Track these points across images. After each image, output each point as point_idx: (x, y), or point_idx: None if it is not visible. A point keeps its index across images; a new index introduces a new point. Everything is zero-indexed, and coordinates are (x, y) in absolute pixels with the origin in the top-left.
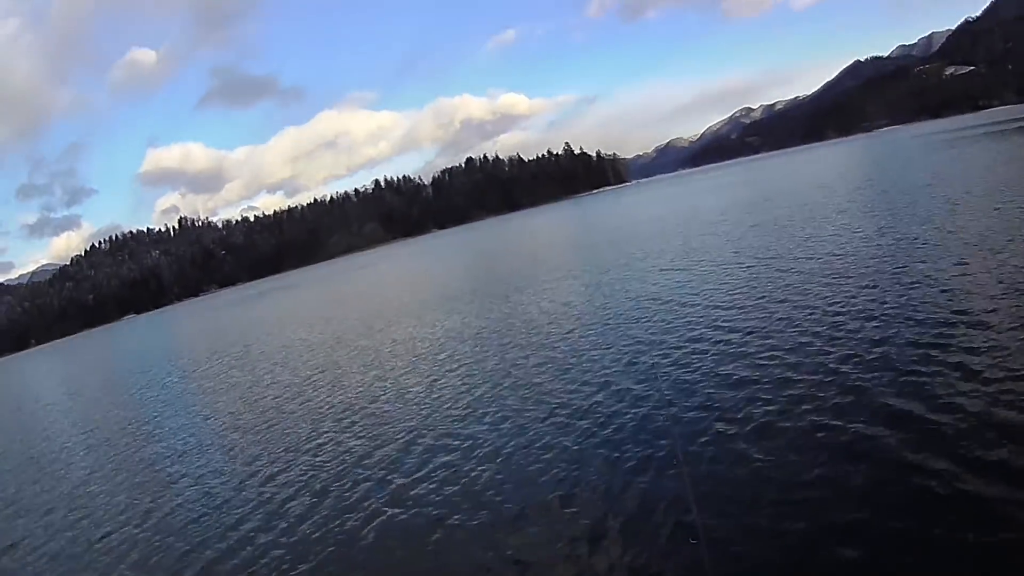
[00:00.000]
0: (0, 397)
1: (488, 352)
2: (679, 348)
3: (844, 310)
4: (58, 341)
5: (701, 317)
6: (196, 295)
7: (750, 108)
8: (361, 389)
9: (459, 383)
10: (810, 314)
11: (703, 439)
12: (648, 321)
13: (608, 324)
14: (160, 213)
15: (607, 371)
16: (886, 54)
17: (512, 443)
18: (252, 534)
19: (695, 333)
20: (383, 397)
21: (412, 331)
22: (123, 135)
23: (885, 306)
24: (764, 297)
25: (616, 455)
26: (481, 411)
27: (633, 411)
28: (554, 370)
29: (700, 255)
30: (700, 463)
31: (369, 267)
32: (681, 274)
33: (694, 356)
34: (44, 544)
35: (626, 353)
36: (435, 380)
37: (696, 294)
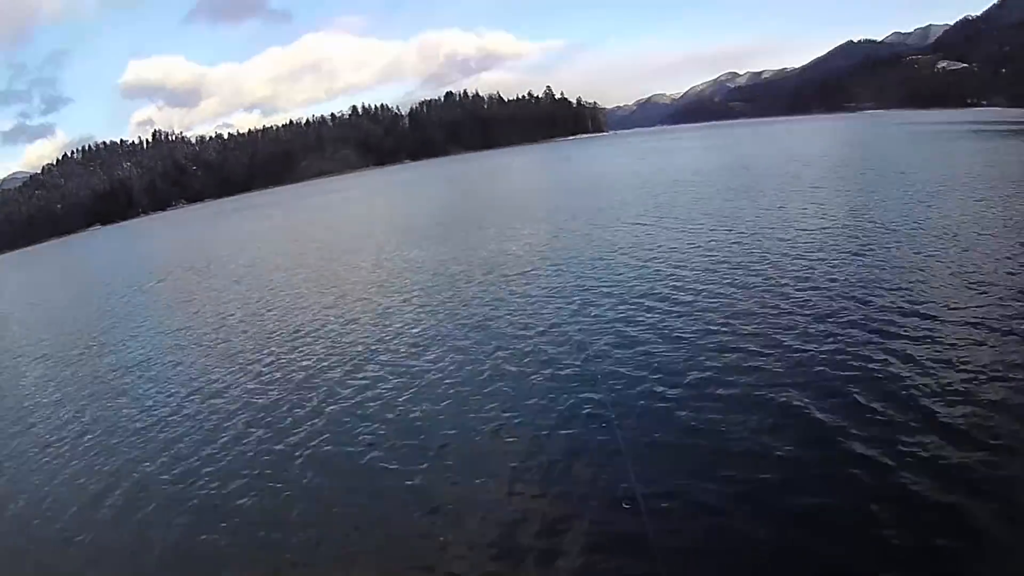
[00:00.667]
0: None
1: (441, 287)
2: (628, 303)
3: (798, 283)
4: (22, 250)
5: (658, 274)
6: (164, 209)
7: (736, 73)
8: (315, 312)
9: (409, 315)
10: (764, 283)
11: (636, 397)
12: (604, 272)
13: (564, 271)
14: (135, 125)
15: (554, 318)
16: (880, 38)
17: (450, 380)
18: (187, 452)
19: (647, 288)
20: (334, 322)
21: (372, 259)
22: (107, 45)
23: (838, 284)
24: (723, 262)
25: (549, 405)
26: (425, 345)
27: (571, 361)
28: (505, 311)
29: (665, 212)
30: (631, 418)
31: (339, 192)
32: (643, 229)
33: (642, 312)
34: None
35: (575, 302)
36: (387, 309)
37: (655, 251)
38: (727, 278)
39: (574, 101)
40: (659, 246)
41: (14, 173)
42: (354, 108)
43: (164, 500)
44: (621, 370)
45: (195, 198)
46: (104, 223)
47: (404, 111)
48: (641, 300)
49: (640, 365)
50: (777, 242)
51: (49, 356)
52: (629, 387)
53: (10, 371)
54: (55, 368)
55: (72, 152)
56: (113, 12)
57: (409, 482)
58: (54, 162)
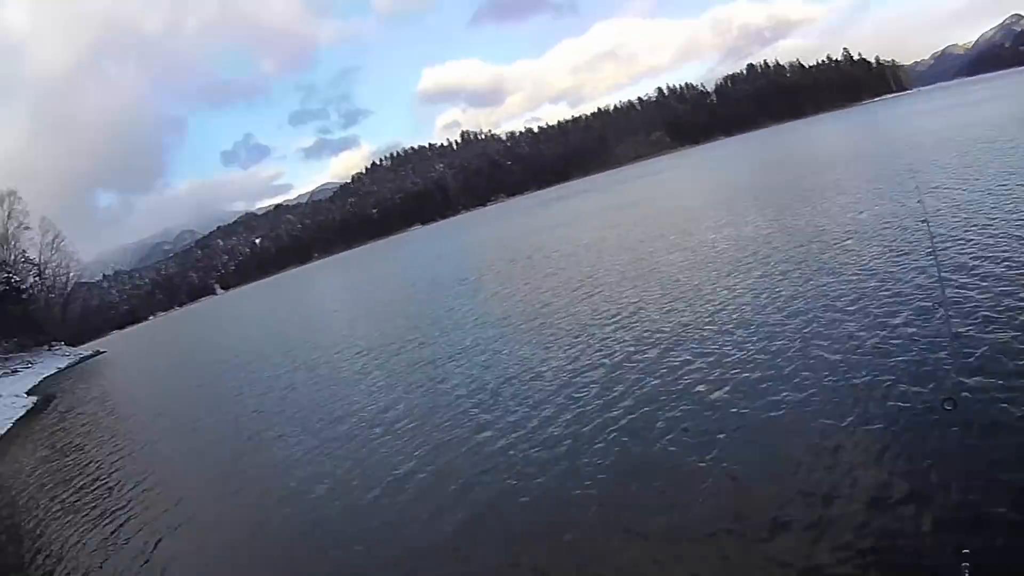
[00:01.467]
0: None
1: (773, 266)
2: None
3: None
4: (340, 255)
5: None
6: (483, 205)
7: (1020, 15)
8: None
9: (747, 300)
10: None
11: None
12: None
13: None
14: (441, 128)
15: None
16: None
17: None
18: (490, 435)
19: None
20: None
21: (702, 240)
22: (394, 58)
23: None
24: None
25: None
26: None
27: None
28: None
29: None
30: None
31: (658, 174)
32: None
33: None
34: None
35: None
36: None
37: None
38: None
39: (872, 61)
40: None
41: (323, 185)
42: (659, 90)
43: (468, 478)
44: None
45: (513, 191)
46: (423, 223)
47: (708, 88)
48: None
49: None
50: None
51: (375, 348)
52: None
53: (335, 363)
54: (381, 357)
55: (380, 160)
56: (392, 28)
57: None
58: (363, 170)
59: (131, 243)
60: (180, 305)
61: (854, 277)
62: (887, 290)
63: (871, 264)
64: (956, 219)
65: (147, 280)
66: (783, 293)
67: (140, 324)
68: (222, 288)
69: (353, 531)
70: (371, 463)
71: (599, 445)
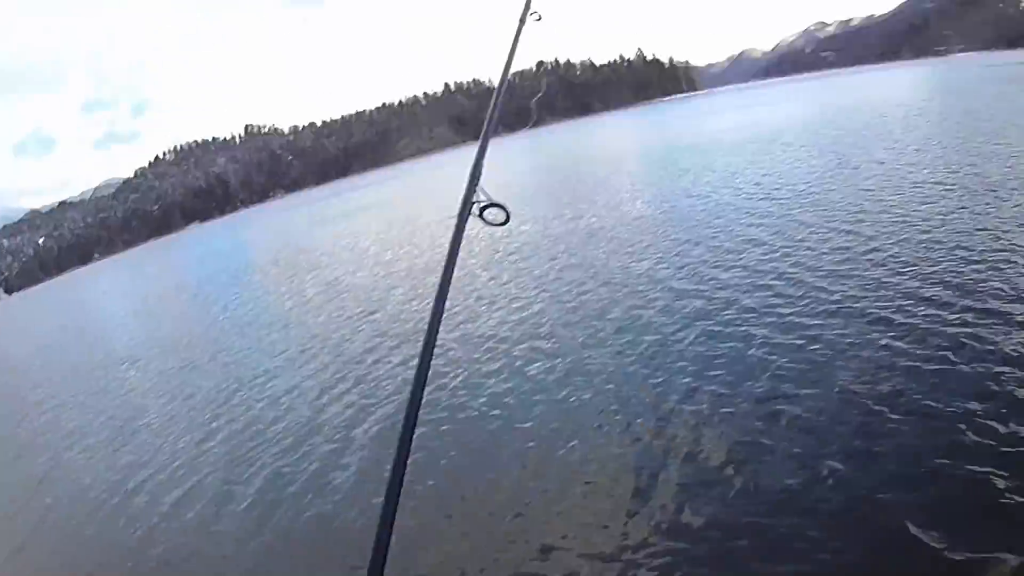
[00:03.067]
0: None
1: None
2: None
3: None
4: (121, 255)
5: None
6: (264, 200)
7: (825, 23)
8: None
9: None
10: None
11: None
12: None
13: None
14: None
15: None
16: None
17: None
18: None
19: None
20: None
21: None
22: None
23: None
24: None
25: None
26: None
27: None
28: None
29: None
30: None
31: (439, 168)
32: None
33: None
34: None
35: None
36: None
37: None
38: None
39: (666, 61)
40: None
41: (107, 180)
42: (446, 84)
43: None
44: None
45: (293, 186)
46: (203, 220)
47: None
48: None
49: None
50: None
51: (147, 369)
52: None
53: (118, 387)
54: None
55: (164, 153)
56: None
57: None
58: (147, 164)
59: None
60: None
61: None
62: None
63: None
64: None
65: None
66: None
67: None
68: (6, 292)
69: None
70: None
71: None
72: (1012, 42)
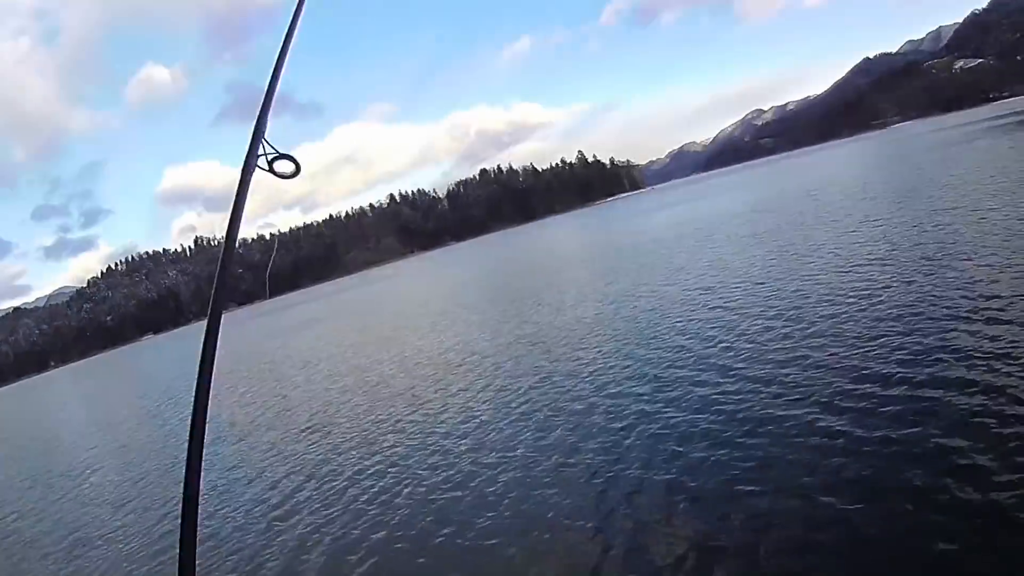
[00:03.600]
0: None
1: (500, 370)
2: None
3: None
4: (77, 363)
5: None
6: None
7: (761, 110)
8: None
9: (480, 398)
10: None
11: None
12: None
13: (620, 338)
14: (178, 232)
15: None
16: (895, 50)
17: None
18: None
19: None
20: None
21: (427, 344)
22: (140, 154)
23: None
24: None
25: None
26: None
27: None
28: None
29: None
30: None
31: (384, 280)
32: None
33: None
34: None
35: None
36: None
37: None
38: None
39: (607, 162)
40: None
41: (61, 288)
42: (391, 196)
43: None
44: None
45: (244, 300)
46: (156, 332)
47: (442, 192)
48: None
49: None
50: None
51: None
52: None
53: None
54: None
55: (116, 264)
56: (141, 121)
57: None
58: (99, 275)
59: None
60: None
61: None
62: None
63: None
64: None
65: None
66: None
67: None
68: None
69: None
70: None
71: None
72: (946, 106)
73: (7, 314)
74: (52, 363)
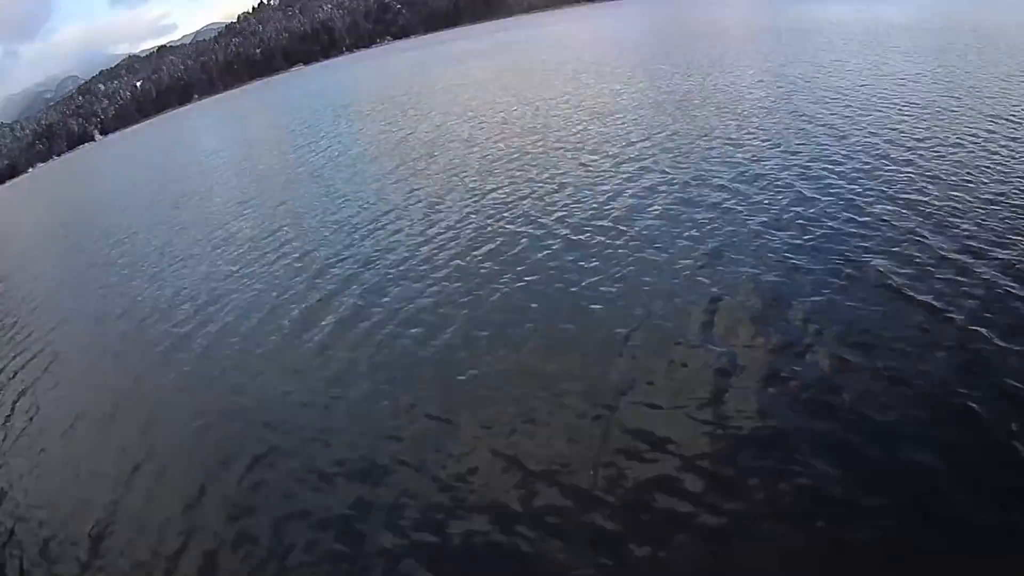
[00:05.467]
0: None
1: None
2: None
3: None
4: (220, 96)
5: None
6: (369, 47)
7: None
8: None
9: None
10: None
11: None
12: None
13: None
14: None
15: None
16: None
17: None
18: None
19: None
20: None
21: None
22: None
23: None
24: None
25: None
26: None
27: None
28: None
29: None
30: None
31: (550, 25)
32: None
33: None
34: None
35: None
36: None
37: None
38: None
39: None
40: None
41: (208, 25)
42: None
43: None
44: None
45: (400, 34)
46: (306, 63)
47: None
48: None
49: None
50: None
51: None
52: None
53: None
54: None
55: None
56: None
57: None
58: (250, 9)
59: (15, 93)
60: (59, 155)
61: None
62: None
63: None
64: None
65: (28, 131)
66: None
67: (20, 177)
68: (101, 134)
69: None
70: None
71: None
72: None
73: (152, 53)
74: (195, 96)
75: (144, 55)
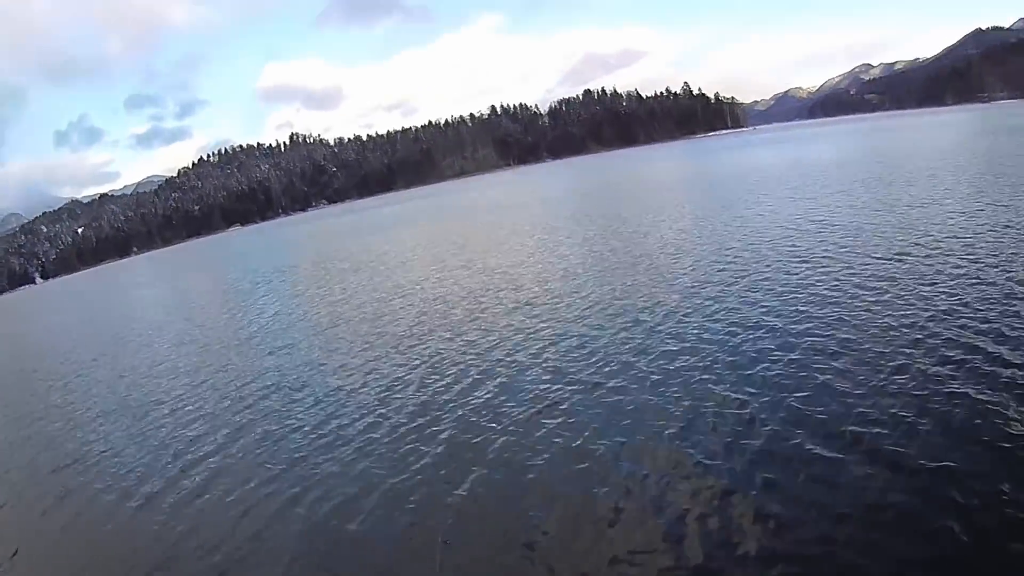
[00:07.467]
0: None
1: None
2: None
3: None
4: (159, 250)
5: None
6: (304, 210)
7: (870, 65)
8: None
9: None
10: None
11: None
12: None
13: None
14: (274, 128)
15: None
16: (1008, 25)
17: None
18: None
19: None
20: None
21: (507, 259)
22: (239, 49)
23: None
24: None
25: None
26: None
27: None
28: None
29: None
30: None
31: (477, 191)
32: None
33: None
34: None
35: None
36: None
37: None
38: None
39: (712, 96)
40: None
41: (150, 176)
42: (493, 107)
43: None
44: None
45: (335, 198)
46: (243, 223)
47: (543, 109)
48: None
49: None
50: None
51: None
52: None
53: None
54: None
55: (209, 155)
56: (243, 16)
57: None
58: (190, 165)
59: None
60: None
61: None
62: None
63: None
64: None
65: None
66: None
67: None
68: (42, 278)
69: None
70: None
71: None
72: None
73: (93, 200)
74: (135, 249)
75: (86, 200)
